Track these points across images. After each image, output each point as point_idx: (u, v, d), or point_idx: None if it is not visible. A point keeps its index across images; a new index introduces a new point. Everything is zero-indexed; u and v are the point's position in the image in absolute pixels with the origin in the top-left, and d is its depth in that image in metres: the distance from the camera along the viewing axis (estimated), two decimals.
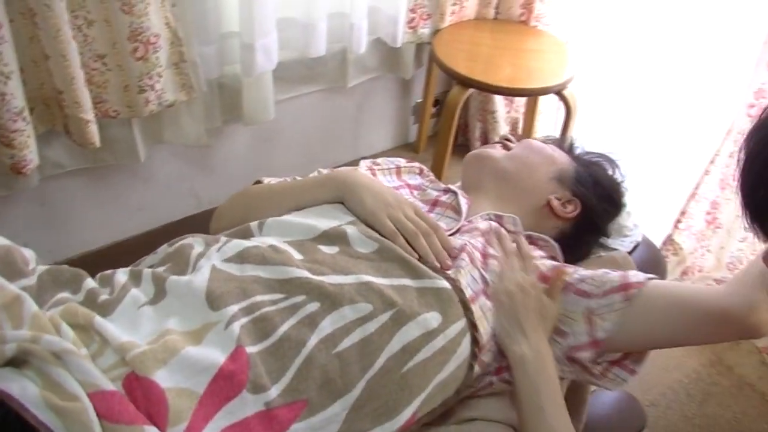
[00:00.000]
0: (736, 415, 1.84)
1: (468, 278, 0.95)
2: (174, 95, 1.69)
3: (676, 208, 2.06)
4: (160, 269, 0.92)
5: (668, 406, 1.83)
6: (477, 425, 0.96)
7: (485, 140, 2.55)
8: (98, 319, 0.79)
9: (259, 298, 0.85)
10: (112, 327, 0.78)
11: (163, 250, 1.00)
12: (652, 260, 1.30)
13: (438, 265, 0.96)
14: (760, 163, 0.62)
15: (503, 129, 2.48)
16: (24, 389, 0.67)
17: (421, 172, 1.29)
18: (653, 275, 1.02)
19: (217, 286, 0.85)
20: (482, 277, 0.98)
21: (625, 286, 0.99)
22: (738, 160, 0.63)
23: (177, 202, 2.07)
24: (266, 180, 1.20)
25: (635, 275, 1.02)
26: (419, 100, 2.49)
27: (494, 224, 1.09)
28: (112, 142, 1.73)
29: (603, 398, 1.29)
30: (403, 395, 0.86)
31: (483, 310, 0.95)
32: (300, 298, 0.85)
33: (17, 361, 0.71)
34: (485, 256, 1.02)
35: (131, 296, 0.85)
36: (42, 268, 0.89)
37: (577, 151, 1.26)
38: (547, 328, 0.98)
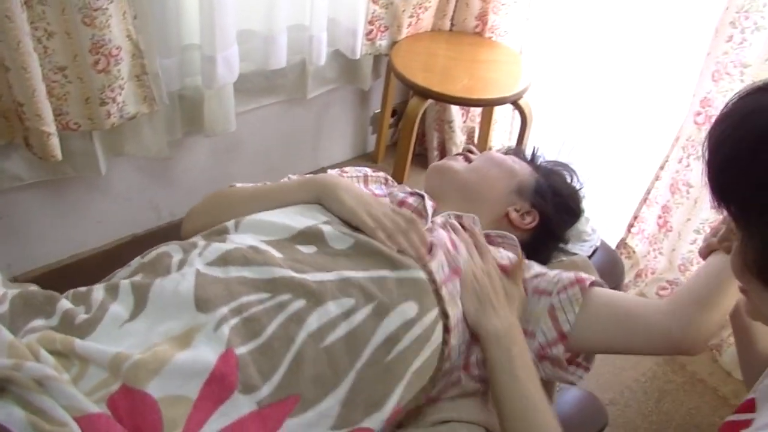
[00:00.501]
0: (690, 410, 1.91)
1: (436, 265, 0.98)
2: (136, 107, 1.68)
3: (629, 212, 2.14)
4: (138, 278, 0.92)
5: (626, 404, 1.89)
6: (451, 426, 0.98)
7: (443, 149, 2.59)
8: (79, 343, 0.78)
9: (245, 298, 0.86)
10: (96, 346, 0.78)
11: (137, 262, 1.00)
12: (611, 263, 1.36)
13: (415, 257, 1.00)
14: (728, 146, 0.66)
15: (460, 138, 2.53)
16: (9, 414, 0.67)
17: (386, 182, 1.32)
18: (599, 280, 1.08)
19: (204, 289, 0.85)
20: (449, 263, 1.01)
21: (579, 280, 1.05)
22: (703, 149, 0.68)
23: (137, 214, 2.06)
24: (239, 185, 1.21)
25: (586, 276, 1.08)
26: (377, 111, 2.52)
27: (450, 220, 1.13)
28: (73, 155, 1.72)
29: (565, 398, 1.32)
30: (387, 385, 0.89)
31: (452, 295, 0.98)
32: (286, 297, 0.87)
33: None
34: (453, 243, 1.05)
35: (111, 314, 0.85)
36: (13, 292, 0.88)
37: (539, 161, 1.30)
38: (515, 308, 1.02)
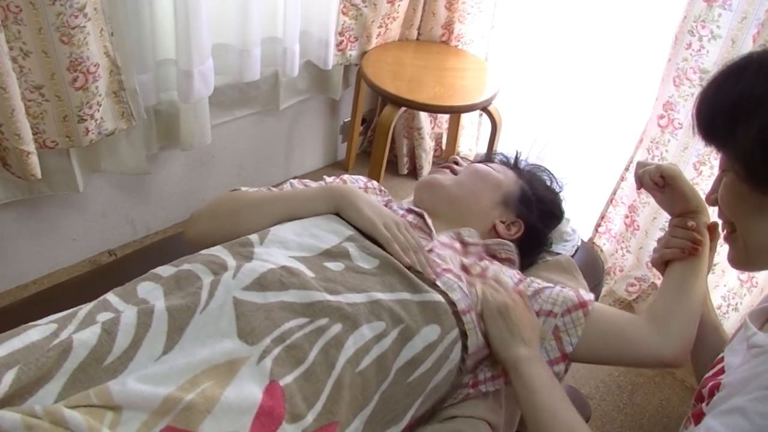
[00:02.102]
0: (662, 402, 1.99)
1: (459, 294, 1.01)
2: (114, 124, 1.68)
3: (596, 213, 2.21)
4: (170, 303, 0.86)
5: (602, 398, 1.96)
6: (455, 422, 1.02)
7: (412, 156, 2.64)
8: (116, 390, 0.73)
9: (287, 324, 0.86)
10: (140, 390, 0.73)
11: (163, 276, 0.93)
12: (591, 261, 1.41)
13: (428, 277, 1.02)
14: (711, 90, 0.80)
15: (429, 145, 2.58)
16: None
17: (380, 192, 1.35)
18: (591, 300, 1.12)
19: (247, 320, 0.84)
20: (468, 293, 1.03)
21: (583, 303, 1.08)
22: (695, 102, 0.83)
23: (112, 230, 2.05)
24: (245, 189, 1.20)
25: (586, 294, 1.12)
26: (347, 120, 2.55)
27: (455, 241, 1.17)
28: (50, 173, 1.71)
29: None
30: (407, 402, 0.92)
31: (475, 323, 1.01)
32: (324, 321, 0.88)
33: None
34: (466, 269, 1.08)
35: (145, 348, 0.80)
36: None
37: (522, 165, 1.34)
38: (537, 337, 1.05)
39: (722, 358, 0.90)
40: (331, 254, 0.99)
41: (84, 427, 0.67)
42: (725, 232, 0.90)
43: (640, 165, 1.14)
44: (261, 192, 1.18)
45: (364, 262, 1.00)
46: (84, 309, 0.87)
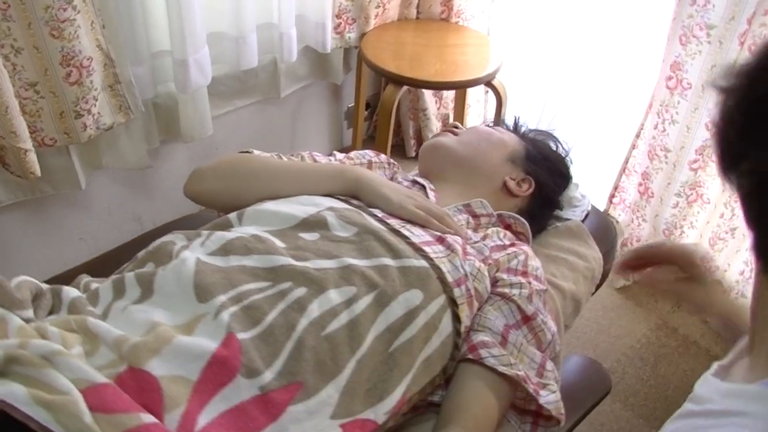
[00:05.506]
0: (686, 372, 1.94)
1: (448, 266, 0.96)
2: (112, 118, 1.66)
3: (609, 184, 2.17)
4: (143, 270, 0.91)
5: (624, 371, 1.92)
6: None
7: (419, 138, 2.60)
8: (91, 320, 0.78)
9: (245, 287, 0.85)
10: (105, 325, 0.78)
11: (143, 252, 0.99)
12: (603, 226, 1.37)
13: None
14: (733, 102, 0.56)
15: (435, 126, 2.54)
16: (11, 391, 0.66)
17: (389, 165, 1.32)
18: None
19: (203, 278, 0.85)
20: (462, 267, 0.99)
21: (506, 332, 0.99)
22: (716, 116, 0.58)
23: (119, 227, 2.03)
24: (258, 153, 1.18)
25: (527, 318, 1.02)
26: (351, 105, 2.52)
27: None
28: (51, 172, 1.69)
29: (570, 365, 1.34)
30: (392, 375, 0.87)
31: (465, 297, 0.97)
32: (286, 285, 0.86)
33: (4, 373, 0.69)
34: (465, 251, 1.03)
35: (116, 307, 0.85)
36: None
37: (522, 130, 1.31)
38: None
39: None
40: (308, 224, 0.98)
41: (59, 340, 0.74)
42: None
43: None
44: (274, 160, 1.15)
45: (342, 230, 0.97)
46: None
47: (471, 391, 0.93)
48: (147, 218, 2.08)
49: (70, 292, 0.89)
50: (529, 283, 1.03)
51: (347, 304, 0.87)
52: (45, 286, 0.90)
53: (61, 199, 1.84)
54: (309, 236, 0.96)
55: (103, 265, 1.21)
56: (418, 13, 2.35)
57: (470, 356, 0.95)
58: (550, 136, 1.32)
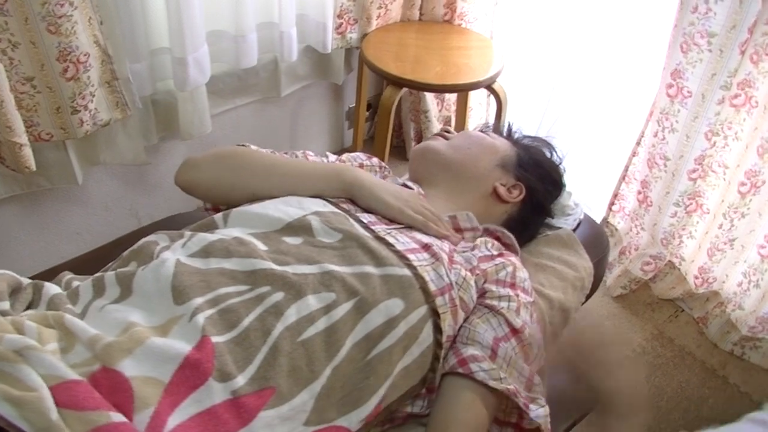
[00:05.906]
0: (681, 383, 1.93)
1: (432, 274, 0.95)
2: (108, 114, 1.67)
3: (608, 191, 2.15)
4: (124, 269, 0.91)
5: None
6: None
7: (420, 140, 2.60)
8: (68, 317, 0.78)
9: (223, 290, 0.85)
10: (81, 323, 0.78)
11: (127, 252, 0.98)
12: (595, 236, 1.36)
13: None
14: None
15: (436, 128, 2.54)
16: None
17: (380, 169, 1.31)
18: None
19: (181, 280, 0.84)
20: (448, 276, 0.97)
21: (492, 347, 0.98)
22: None
23: (116, 223, 2.04)
24: (255, 148, 1.17)
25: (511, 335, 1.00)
26: (352, 105, 2.51)
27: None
28: (48, 167, 1.70)
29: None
30: (368, 383, 0.86)
31: (448, 306, 0.95)
32: (265, 289, 0.85)
33: None
34: (451, 259, 1.01)
35: (95, 306, 0.85)
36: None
37: (516, 136, 1.30)
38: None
39: None
40: (292, 228, 0.97)
41: (35, 335, 0.75)
42: None
43: None
44: (270, 155, 1.14)
45: (326, 236, 0.96)
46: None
47: (461, 405, 0.93)
48: (144, 215, 2.09)
49: (51, 288, 0.89)
50: (517, 295, 1.02)
51: (325, 310, 0.86)
52: (26, 280, 0.90)
53: (58, 194, 1.85)
54: (292, 240, 0.95)
55: (97, 261, 1.21)
56: (420, 14, 2.34)
57: (460, 370, 0.94)
58: (545, 143, 1.31)
